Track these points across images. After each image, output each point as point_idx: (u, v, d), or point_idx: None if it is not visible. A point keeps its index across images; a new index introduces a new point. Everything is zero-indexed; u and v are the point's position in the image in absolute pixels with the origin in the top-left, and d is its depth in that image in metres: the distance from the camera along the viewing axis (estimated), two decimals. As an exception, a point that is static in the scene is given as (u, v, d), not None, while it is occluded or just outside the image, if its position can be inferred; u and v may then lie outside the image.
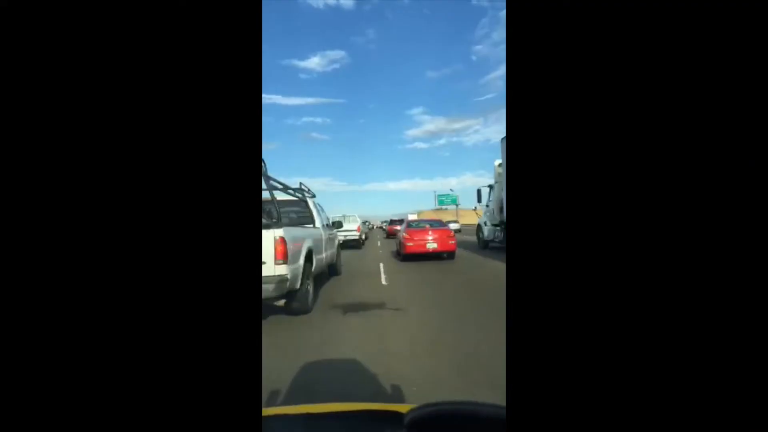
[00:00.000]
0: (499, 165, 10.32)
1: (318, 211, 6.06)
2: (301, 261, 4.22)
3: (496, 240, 11.04)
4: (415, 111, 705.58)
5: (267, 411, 0.74)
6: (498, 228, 10.77)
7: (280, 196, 5.20)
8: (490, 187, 11.56)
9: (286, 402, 2.21)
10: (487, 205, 11.82)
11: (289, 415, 0.78)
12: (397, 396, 2.26)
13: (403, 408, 0.66)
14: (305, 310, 4.29)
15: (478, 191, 12.42)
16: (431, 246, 9.36)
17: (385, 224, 35.15)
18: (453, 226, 40.32)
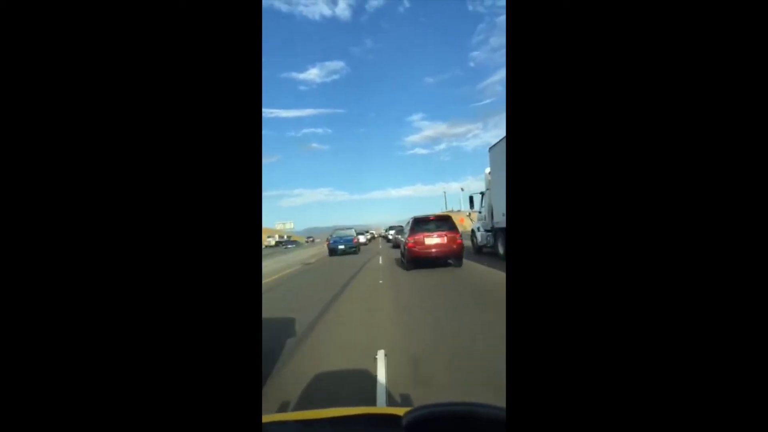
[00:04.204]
0: (489, 173, 10.60)
1: None
2: None
3: (488, 245, 11.12)
4: (415, 117, 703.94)
5: (265, 418, 0.73)
6: (490, 234, 10.86)
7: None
8: (482, 194, 11.78)
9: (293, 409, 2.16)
10: (480, 212, 12.08)
11: (286, 421, 0.79)
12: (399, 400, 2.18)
13: (399, 411, 0.66)
14: None
15: (471, 198, 12.86)
16: None
17: (392, 233, 24.53)
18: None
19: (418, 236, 8.84)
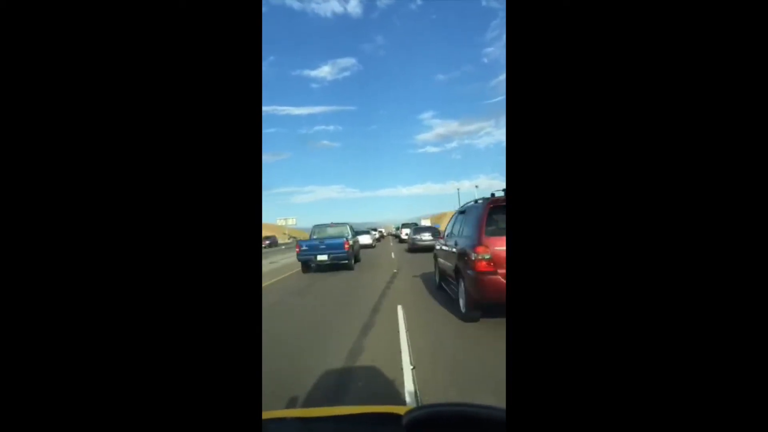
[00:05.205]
0: None
1: None
2: None
3: None
4: (426, 115, 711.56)
5: (265, 414, 0.75)
6: None
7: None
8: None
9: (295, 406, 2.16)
10: None
11: (287, 418, 0.81)
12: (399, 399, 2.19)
13: (400, 410, 0.67)
14: None
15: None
16: None
17: (406, 232, 20.33)
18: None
19: (494, 241, 3.72)
